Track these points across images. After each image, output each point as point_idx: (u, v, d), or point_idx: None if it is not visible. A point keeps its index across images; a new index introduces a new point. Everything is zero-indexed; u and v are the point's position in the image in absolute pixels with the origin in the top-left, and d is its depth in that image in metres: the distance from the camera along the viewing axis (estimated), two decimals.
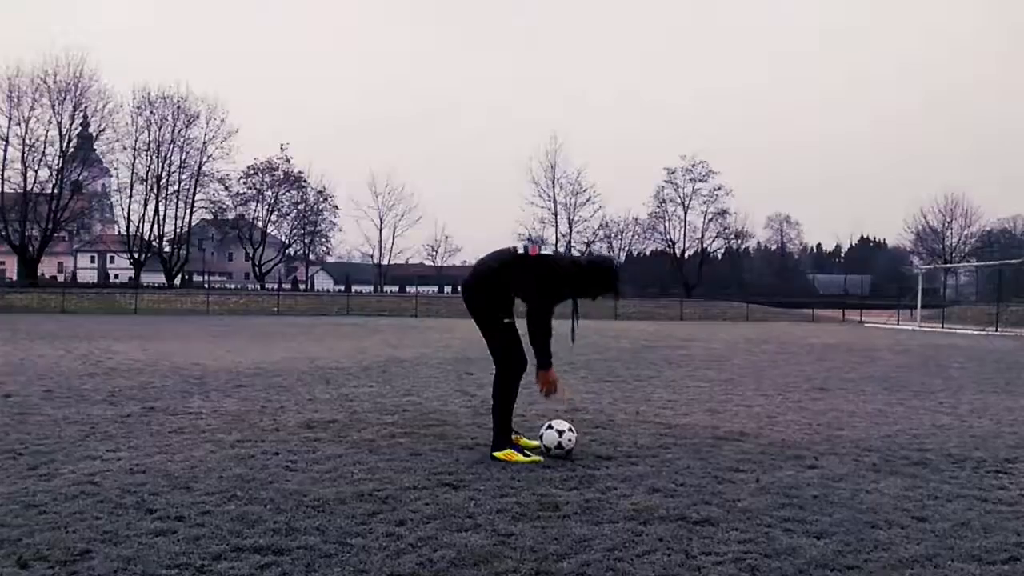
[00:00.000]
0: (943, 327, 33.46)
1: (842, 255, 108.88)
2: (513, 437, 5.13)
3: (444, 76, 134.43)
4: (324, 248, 70.64)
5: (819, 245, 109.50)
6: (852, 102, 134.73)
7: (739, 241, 72.58)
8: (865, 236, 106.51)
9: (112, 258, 73.60)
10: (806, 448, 5.47)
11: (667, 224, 67.43)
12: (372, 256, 71.74)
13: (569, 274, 5.19)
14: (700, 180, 65.59)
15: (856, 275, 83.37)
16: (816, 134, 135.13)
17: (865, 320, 40.52)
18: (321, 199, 66.00)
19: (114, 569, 2.96)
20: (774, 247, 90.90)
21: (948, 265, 62.34)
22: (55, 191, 53.92)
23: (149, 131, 57.68)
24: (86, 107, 54.58)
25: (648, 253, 74.89)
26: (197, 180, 59.68)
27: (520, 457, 4.88)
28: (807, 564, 3.14)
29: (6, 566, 2.98)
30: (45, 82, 52.55)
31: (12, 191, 53.15)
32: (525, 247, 5.29)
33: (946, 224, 70.26)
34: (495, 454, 4.95)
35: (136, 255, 58.11)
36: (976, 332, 29.55)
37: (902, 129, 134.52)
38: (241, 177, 62.58)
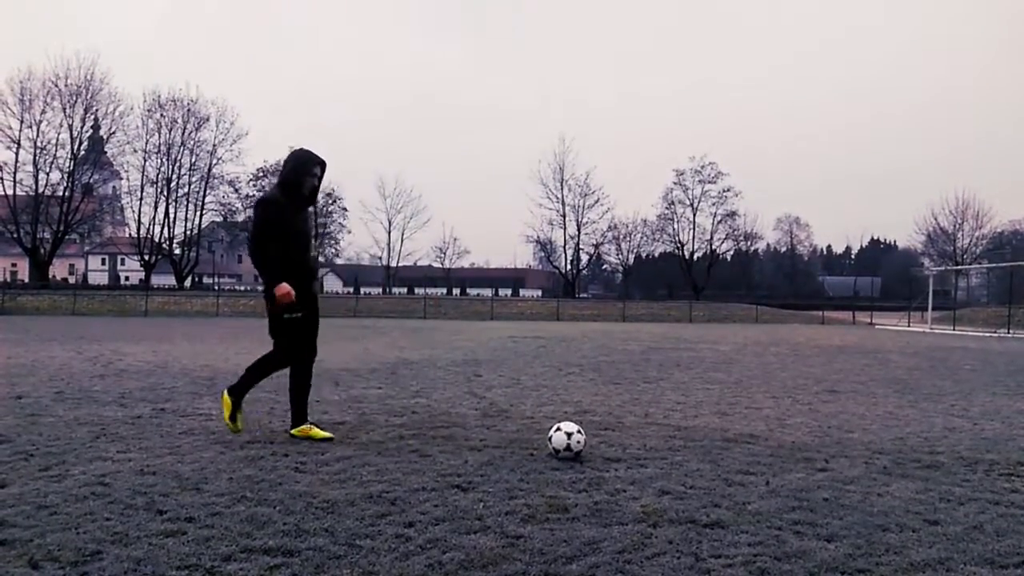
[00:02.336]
0: (954, 329, 33.27)
1: (852, 257, 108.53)
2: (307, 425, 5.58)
3: (453, 79, 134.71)
4: (333, 250, 70.83)
5: (829, 247, 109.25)
6: (862, 103, 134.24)
7: (748, 243, 72.37)
8: (875, 238, 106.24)
9: (123, 260, 73.93)
10: (816, 451, 5.45)
11: (676, 226, 67.31)
12: (381, 258, 71.93)
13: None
14: (709, 182, 65.45)
15: (866, 277, 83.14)
16: (826, 135, 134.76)
17: (875, 322, 40.33)
18: (330, 201, 66.16)
19: (124, 570, 2.97)
20: (783, 249, 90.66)
21: (959, 267, 61.93)
22: (66, 194, 54.25)
23: (159, 134, 58.05)
24: (97, 110, 54.98)
25: (657, 255, 74.77)
26: (207, 182, 59.98)
27: (229, 423, 5.44)
28: (817, 567, 3.13)
29: (18, 566, 3.00)
30: (56, 85, 52.98)
31: (24, 194, 53.56)
32: None
33: (957, 225, 69.80)
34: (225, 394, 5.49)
35: (146, 257, 58.39)
36: (988, 334, 29.37)
37: (912, 130, 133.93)
38: (251, 179, 62.80)
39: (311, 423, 5.68)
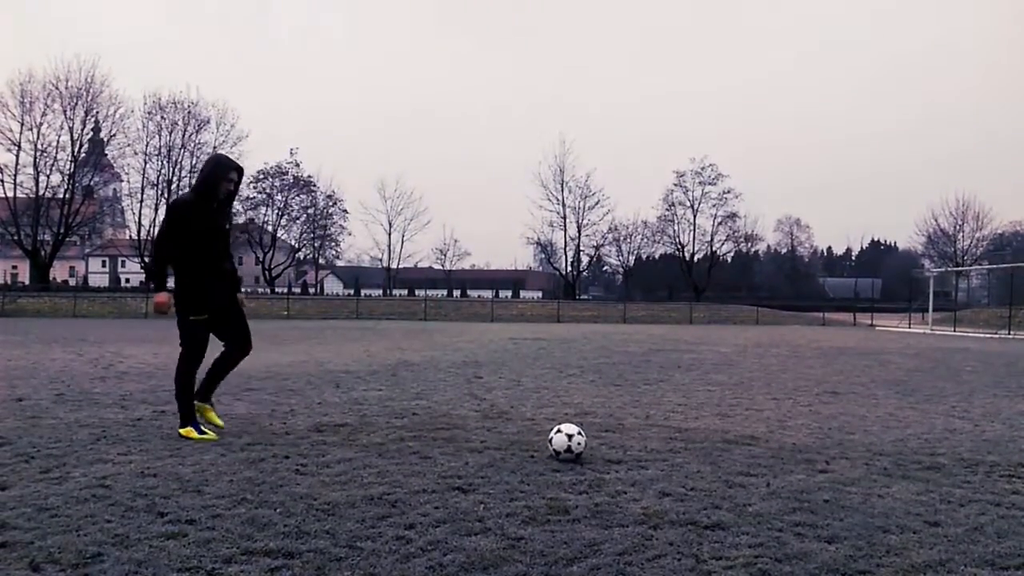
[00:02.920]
0: (955, 330, 33.26)
1: (853, 258, 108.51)
2: (201, 408, 5.73)
3: (453, 81, 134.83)
4: (334, 252, 70.95)
5: (829, 248, 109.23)
6: (862, 105, 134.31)
7: (749, 244, 72.36)
8: (876, 239, 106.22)
9: (123, 262, 73.99)
10: (817, 452, 5.44)
11: (676, 227, 67.31)
12: (381, 260, 71.96)
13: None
14: (709, 183, 65.47)
15: (867, 278, 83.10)
16: (826, 136, 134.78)
17: (876, 323, 40.33)
18: (330, 203, 66.33)
19: (125, 572, 2.97)
20: (784, 250, 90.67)
21: (960, 268, 61.96)
22: (67, 196, 54.32)
23: (160, 136, 58.17)
24: (97, 112, 55.09)
25: (657, 256, 74.78)
26: None
27: (196, 435, 5.47)
28: (818, 569, 3.12)
29: (18, 568, 3.00)
30: (57, 88, 53.07)
31: (24, 196, 53.66)
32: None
33: (958, 227, 69.83)
34: (180, 431, 5.56)
35: (147, 259, 58.36)
36: (988, 335, 29.37)
37: (912, 131, 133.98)
38: (251, 182, 62.87)
39: (211, 406, 5.87)
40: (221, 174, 5.56)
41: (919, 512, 3.95)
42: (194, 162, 59.03)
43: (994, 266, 58.76)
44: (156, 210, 58.48)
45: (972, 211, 69.32)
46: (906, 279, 58.88)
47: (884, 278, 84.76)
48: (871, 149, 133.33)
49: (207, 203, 5.53)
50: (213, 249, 5.58)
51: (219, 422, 5.79)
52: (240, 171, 5.69)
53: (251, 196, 63.71)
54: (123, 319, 34.01)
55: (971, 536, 3.58)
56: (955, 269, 60.89)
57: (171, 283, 5.61)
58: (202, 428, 5.58)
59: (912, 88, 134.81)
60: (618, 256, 70.92)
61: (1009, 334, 29.80)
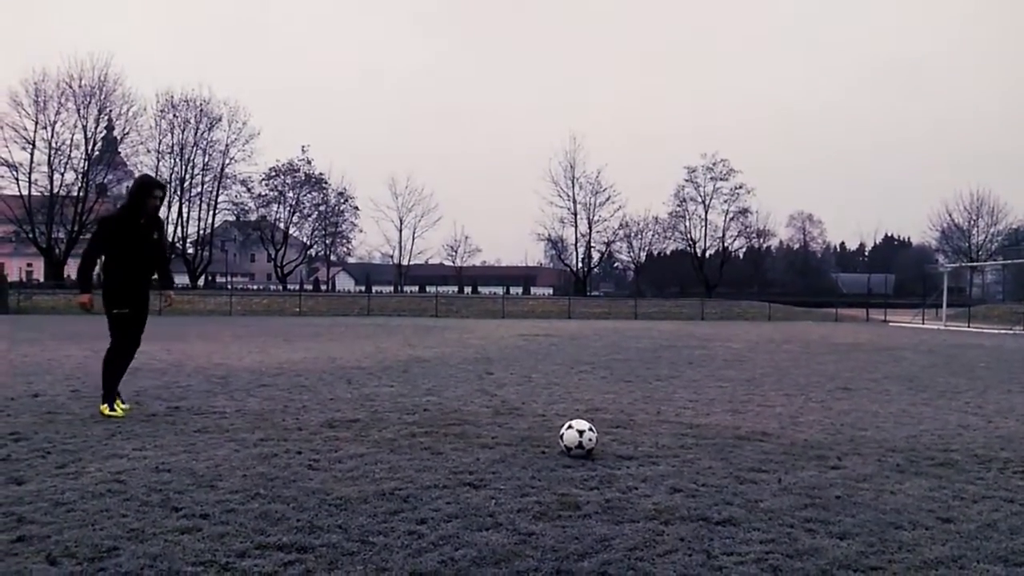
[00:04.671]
0: (969, 326, 33.04)
1: (866, 254, 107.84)
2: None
3: (464, 77, 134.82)
4: (345, 249, 71.08)
5: (842, 244, 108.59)
6: (875, 99, 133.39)
7: (761, 240, 72.04)
8: (889, 234, 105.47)
9: None
10: (829, 448, 5.43)
11: (688, 223, 67.03)
12: (392, 256, 72.04)
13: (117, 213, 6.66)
14: (721, 179, 65.15)
15: (880, 274, 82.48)
16: (839, 131, 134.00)
17: (889, 319, 40.09)
18: (342, 200, 66.39)
19: (140, 566, 3.00)
20: (796, 246, 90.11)
21: (974, 263, 61.47)
22: (80, 194, 54.66)
23: (172, 134, 58.44)
24: (110, 111, 55.33)
25: (668, 252, 74.50)
26: (220, 182, 60.32)
27: (108, 411, 6.30)
28: (830, 565, 3.12)
29: (36, 562, 3.04)
30: (71, 86, 53.35)
31: (39, 194, 54.00)
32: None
33: (972, 222, 69.22)
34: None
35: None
36: (1003, 331, 29.14)
37: (926, 125, 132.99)
38: (263, 179, 63.16)
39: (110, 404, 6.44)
40: (147, 192, 6.45)
41: (931, 508, 3.94)
42: (206, 160, 59.39)
43: (1009, 261, 58.30)
44: (169, 207, 58.79)
45: (987, 206, 68.74)
46: (920, 275, 58.59)
47: (897, 274, 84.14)
48: (885, 144, 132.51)
49: (135, 217, 6.42)
50: (136, 255, 6.46)
51: (121, 413, 6.42)
52: (164, 188, 6.74)
53: (263, 193, 63.98)
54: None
55: (984, 532, 3.56)
56: (969, 264, 60.41)
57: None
58: (114, 405, 6.37)
59: (928, 83, 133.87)
60: (629, 252, 70.80)
61: None
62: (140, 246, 6.45)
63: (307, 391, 8.13)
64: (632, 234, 68.62)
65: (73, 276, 68.96)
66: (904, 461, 5.05)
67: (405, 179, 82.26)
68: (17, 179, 53.35)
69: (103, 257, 6.47)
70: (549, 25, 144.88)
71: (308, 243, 68.41)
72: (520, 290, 78.93)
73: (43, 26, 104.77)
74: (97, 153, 55.57)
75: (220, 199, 61.31)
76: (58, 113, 53.46)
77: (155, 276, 6.85)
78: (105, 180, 58.17)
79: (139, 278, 6.55)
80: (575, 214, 65.95)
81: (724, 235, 66.92)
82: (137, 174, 59.93)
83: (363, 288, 73.14)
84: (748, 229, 67.79)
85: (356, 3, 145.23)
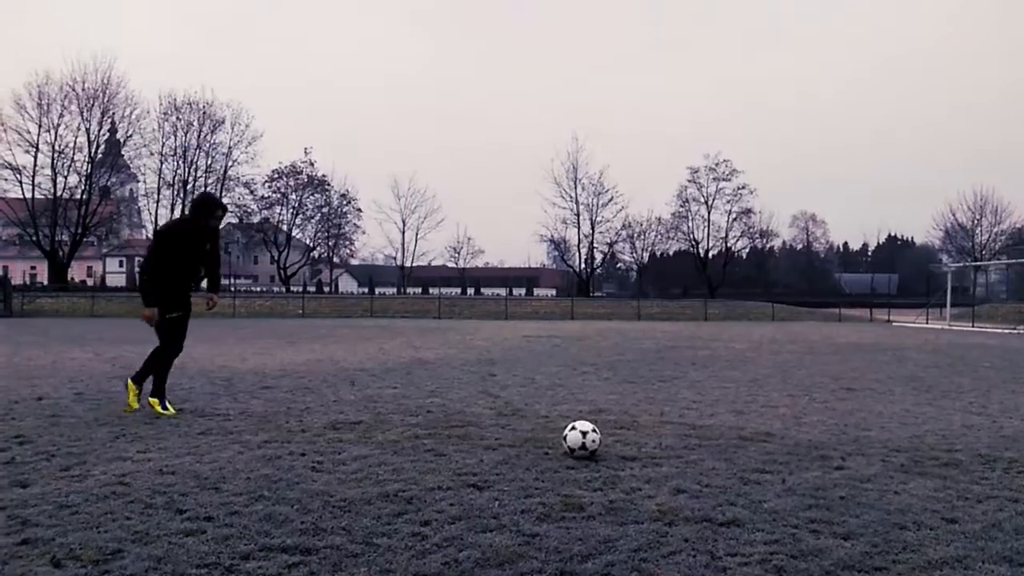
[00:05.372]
0: (973, 326, 32.96)
1: (869, 254, 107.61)
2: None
3: (466, 78, 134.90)
4: (348, 251, 71.03)
5: (846, 244, 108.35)
6: (878, 98, 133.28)
7: (764, 240, 71.94)
8: (892, 234, 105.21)
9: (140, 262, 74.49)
10: (833, 449, 5.42)
11: (691, 224, 66.98)
12: (395, 258, 72.10)
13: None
14: (724, 179, 65.11)
15: (883, 274, 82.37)
16: (842, 131, 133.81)
17: (893, 319, 40.01)
18: (345, 202, 66.40)
19: (145, 568, 3.01)
20: (800, 246, 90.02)
21: (978, 263, 61.33)
22: (84, 196, 54.75)
23: (175, 136, 58.48)
24: (114, 113, 55.42)
25: (672, 253, 74.45)
26: (223, 184, 60.26)
27: (159, 408, 6.59)
28: (834, 565, 3.12)
29: (40, 565, 3.04)
30: (74, 89, 53.45)
31: (42, 197, 54.07)
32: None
33: (976, 221, 69.04)
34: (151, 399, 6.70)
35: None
36: (1007, 331, 29.07)
37: (929, 125, 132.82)
38: (266, 181, 63.16)
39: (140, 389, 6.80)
40: (208, 211, 6.79)
41: (936, 509, 3.93)
42: (209, 162, 59.39)
43: (1013, 261, 58.19)
44: (172, 210, 58.81)
45: (990, 205, 68.55)
46: (923, 274, 58.50)
47: (901, 273, 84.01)
48: (888, 143, 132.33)
49: (193, 231, 6.73)
50: (190, 265, 6.76)
51: (136, 405, 6.77)
52: (224, 209, 7.14)
53: (266, 196, 64.01)
54: (139, 318, 34.27)
55: (988, 533, 3.56)
56: (973, 264, 60.27)
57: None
58: (166, 404, 6.67)
59: (931, 82, 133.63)
60: (632, 253, 70.74)
61: None
62: (193, 257, 6.75)
63: (310, 393, 8.14)
64: (635, 235, 68.62)
65: (76, 279, 69.32)
66: (908, 461, 5.04)
67: (408, 181, 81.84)
68: (21, 182, 53.47)
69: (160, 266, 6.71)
70: (551, 24, 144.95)
71: (311, 245, 68.45)
72: (523, 291, 78.91)
73: (46, 29, 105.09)
74: (100, 156, 55.66)
75: (223, 201, 61.31)
76: (61, 116, 53.58)
77: (204, 280, 7.22)
78: (108, 183, 58.29)
79: (188, 284, 6.87)
80: (578, 215, 65.98)
81: (727, 235, 66.94)
82: (140, 176, 60.41)
83: (366, 290, 73.17)
84: (751, 229, 67.80)
85: (357, 3, 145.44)
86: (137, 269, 7.38)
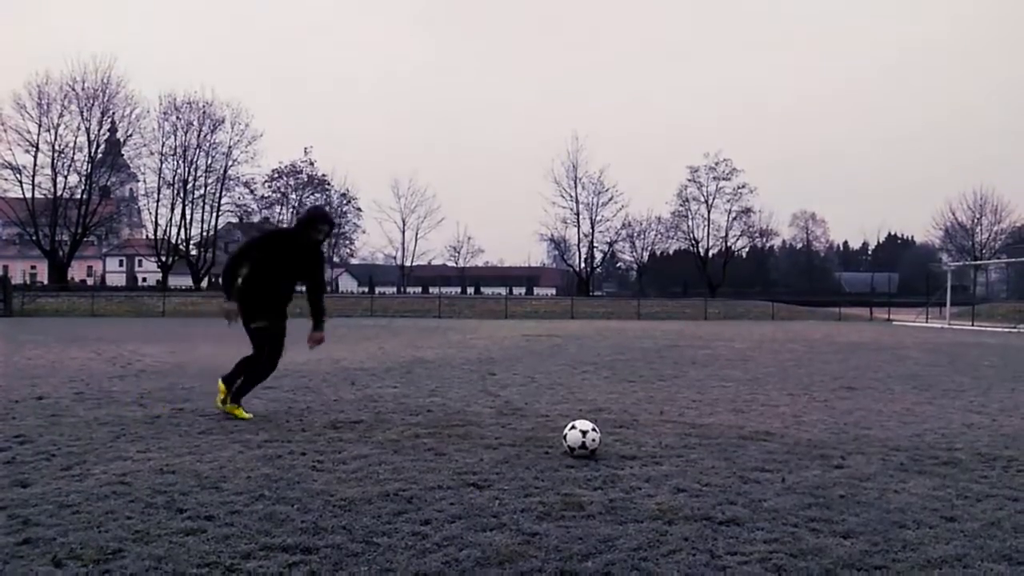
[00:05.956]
0: (973, 325, 32.96)
1: (869, 253, 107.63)
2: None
3: (467, 77, 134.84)
4: (348, 250, 71.11)
5: (846, 243, 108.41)
6: (878, 97, 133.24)
7: (764, 239, 72.04)
8: (892, 233, 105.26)
9: (140, 261, 74.52)
10: (833, 448, 5.43)
11: (690, 223, 67.06)
12: (395, 258, 72.16)
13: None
14: (724, 179, 65.18)
15: (883, 273, 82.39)
16: (842, 130, 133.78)
17: (893, 318, 40.01)
18: (345, 201, 66.45)
19: (145, 568, 3.01)
20: (800, 245, 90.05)
21: (978, 262, 61.36)
22: (84, 196, 54.80)
23: (175, 136, 58.49)
24: (114, 113, 55.51)
25: (671, 252, 74.49)
26: (223, 184, 60.36)
27: (242, 412, 6.37)
28: (834, 564, 3.12)
29: (41, 564, 3.05)
30: (74, 89, 53.47)
31: (42, 197, 54.13)
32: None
33: (975, 220, 69.09)
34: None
35: (163, 258, 58.83)
36: (1007, 329, 29.08)
37: (929, 124, 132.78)
38: (266, 180, 63.27)
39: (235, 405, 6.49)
40: (314, 225, 6.44)
41: (936, 507, 3.94)
42: (209, 162, 59.39)
43: (1013, 260, 58.22)
44: (172, 209, 58.94)
45: (990, 204, 68.63)
46: (923, 273, 58.44)
47: (901, 272, 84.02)
48: (888, 142, 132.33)
49: (295, 241, 6.43)
50: (282, 276, 6.41)
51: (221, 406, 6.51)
52: (332, 224, 6.78)
53: (266, 195, 64.06)
54: (140, 318, 34.28)
55: (988, 531, 3.56)
56: (973, 263, 60.31)
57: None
58: (227, 405, 6.42)
59: (931, 82, 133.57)
60: (632, 252, 70.83)
61: None
62: (287, 268, 6.41)
63: (311, 392, 8.14)
64: (635, 234, 68.72)
65: (76, 279, 69.31)
66: (908, 460, 5.04)
67: (408, 180, 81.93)
68: (21, 182, 53.57)
69: (248, 269, 6.33)
70: (551, 24, 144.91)
71: None
72: (523, 290, 78.97)
73: (46, 29, 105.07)
74: (100, 155, 55.70)
75: (223, 201, 61.28)
76: (61, 116, 53.68)
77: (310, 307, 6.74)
78: (108, 182, 58.30)
79: (279, 296, 6.49)
80: (578, 214, 66.01)
81: (727, 234, 67.00)
82: (140, 176, 60.41)
83: (366, 289, 73.17)
84: (751, 228, 67.87)
85: (357, 3, 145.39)
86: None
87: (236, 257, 6.39)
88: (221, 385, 6.54)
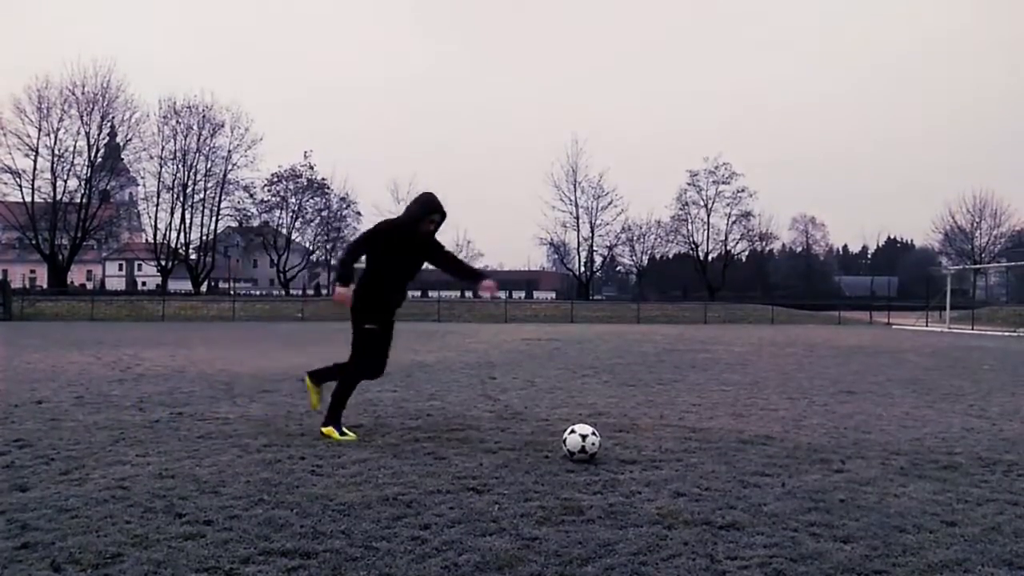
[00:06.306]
0: (973, 329, 32.96)
1: (869, 256, 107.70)
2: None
3: (466, 81, 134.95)
4: None
5: (845, 246, 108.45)
6: (878, 100, 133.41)
7: (763, 243, 71.94)
8: (892, 237, 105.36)
9: (140, 266, 74.50)
10: (833, 452, 5.42)
11: (690, 227, 66.96)
12: None
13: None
14: (723, 182, 65.11)
15: (883, 276, 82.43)
16: (841, 134, 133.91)
17: (893, 322, 40.03)
18: (344, 205, 66.37)
19: (144, 572, 3.00)
20: (799, 249, 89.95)
21: (978, 265, 61.37)
22: (84, 200, 54.80)
23: (175, 140, 58.46)
24: (113, 117, 55.53)
25: (671, 256, 74.48)
26: (222, 188, 60.33)
27: (336, 435, 5.70)
28: (834, 569, 3.12)
29: (40, 569, 3.04)
30: (74, 93, 53.53)
31: (42, 201, 54.14)
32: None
33: (975, 224, 69.04)
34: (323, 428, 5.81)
35: (163, 262, 58.80)
36: (1007, 333, 29.08)
37: (929, 127, 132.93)
38: (265, 185, 63.17)
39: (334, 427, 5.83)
40: (423, 214, 5.79)
41: (936, 512, 3.93)
42: (209, 166, 59.40)
43: (1013, 264, 58.23)
44: (172, 213, 58.92)
45: (990, 208, 68.57)
46: (923, 277, 58.47)
47: (901, 276, 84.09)
48: (888, 146, 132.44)
49: (408, 234, 5.81)
50: (398, 273, 5.90)
51: (318, 406, 6.11)
52: (444, 215, 5.92)
53: (266, 199, 64.03)
54: (140, 322, 34.28)
55: (988, 536, 3.56)
56: (973, 267, 60.32)
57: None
58: (343, 430, 5.78)
59: (931, 84, 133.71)
60: (631, 256, 70.73)
61: None
62: (404, 264, 5.90)
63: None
64: (634, 238, 68.59)
65: (76, 283, 69.31)
66: (908, 464, 5.04)
67: (407, 184, 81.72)
68: (21, 186, 53.55)
69: (370, 263, 5.81)
70: (550, 26, 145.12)
71: (310, 248, 68.48)
72: (523, 294, 78.88)
73: (46, 33, 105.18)
74: (100, 160, 55.71)
75: (223, 205, 61.29)
76: (61, 120, 53.70)
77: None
78: (108, 186, 58.32)
79: (393, 296, 5.97)
80: (577, 218, 65.96)
81: (727, 238, 66.90)
82: (140, 180, 60.43)
83: None
84: (751, 232, 67.78)
85: (356, 6, 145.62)
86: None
87: (360, 244, 5.86)
88: (309, 383, 6.18)
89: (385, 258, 5.77)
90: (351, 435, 5.73)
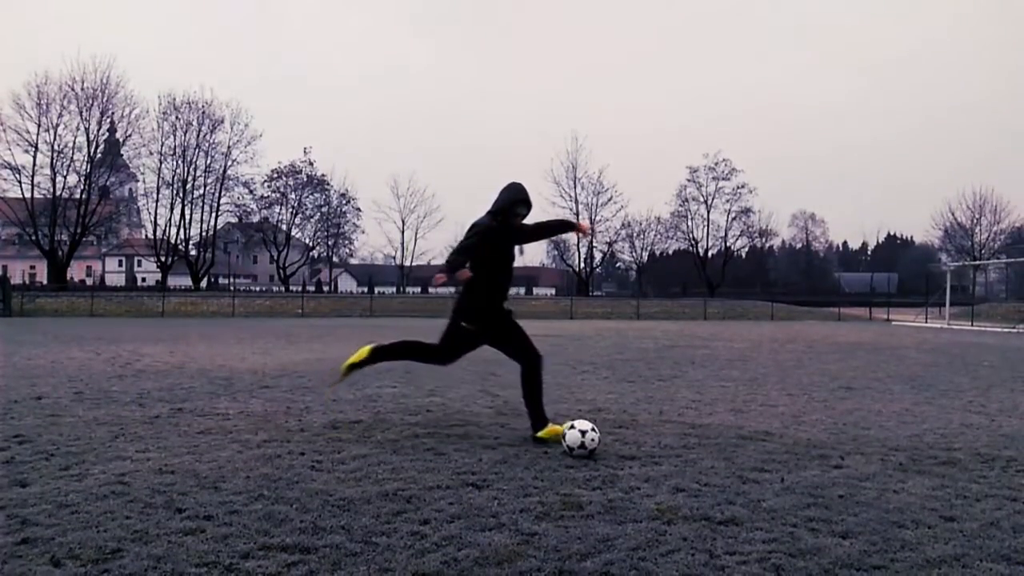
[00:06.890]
0: (972, 325, 32.97)
1: (868, 253, 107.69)
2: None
3: (466, 77, 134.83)
4: (347, 250, 70.98)
5: (845, 243, 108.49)
6: (878, 97, 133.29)
7: (763, 239, 71.91)
8: (892, 233, 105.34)
9: (139, 261, 74.52)
10: (832, 448, 5.43)
11: (690, 223, 66.98)
12: (395, 258, 72.07)
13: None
14: (723, 179, 65.10)
15: (883, 273, 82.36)
16: (841, 130, 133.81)
17: (892, 318, 40.02)
18: (344, 201, 66.36)
19: (144, 567, 3.01)
20: (799, 245, 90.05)
21: (977, 262, 61.36)
22: (83, 196, 54.72)
23: (175, 136, 58.36)
24: (113, 113, 55.36)
25: (671, 252, 74.45)
26: (222, 184, 60.26)
27: (556, 429, 5.35)
28: (833, 564, 3.12)
29: (40, 564, 3.05)
30: (73, 89, 53.41)
31: (42, 197, 54.04)
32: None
33: (975, 220, 69.05)
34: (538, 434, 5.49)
35: (163, 258, 58.77)
36: (1006, 330, 29.09)
37: (929, 124, 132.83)
38: (265, 180, 63.10)
39: (551, 422, 5.61)
40: (512, 206, 5.66)
41: (935, 507, 3.94)
42: (208, 162, 59.33)
43: (1012, 260, 58.22)
44: (171, 210, 58.87)
45: (989, 204, 68.56)
46: (923, 273, 58.46)
47: (900, 272, 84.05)
48: (887, 142, 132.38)
49: (503, 232, 5.67)
50: (500, 268, 5.72)
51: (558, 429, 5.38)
52: (529, 208, 5.76)
53: (265, 195, 63.98)
54: (140, 318, 34.27)
55: (987, 531, 3.56)
56: (972, 263, 60.30)
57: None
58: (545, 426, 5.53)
59: (931, 82, 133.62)
60: (631, 252, 70.73)
61: None
62: (508, 261, 5.78)
63: (310, 392, 8.14)
64: (634, 234, 68.61)
65: (76, 279, 69.35)
66: (907, 460, 5.04)
67: (407, 180, 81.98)
68: (20, 182, 53.42)
69: (474, 267, 5.64)
70: (550, 24, 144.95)
71: (310, 244, 68.43)
72: (522, 290, 78.87)
73: (44, 29, 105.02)
74: (99, 156, 55.60)
75: (222, 201, 61.25)
76: (60, 116, 53.51)
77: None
78: (107, 182, 58.23)
79: (495, 296, 5.78)
80: (577, 214, 65.90)
81: (726, 235, 66.90)
82: (139, 176, 60.37)
83: (365, 289, 73.11)
84: (750, 228, 67.77)
85: (357, 3, 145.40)
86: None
87: (467, 250, 5.59)
88: (365, 350, 6.03)
89: (490, 261, 5.63)
90: (558, 428, 5.33)
